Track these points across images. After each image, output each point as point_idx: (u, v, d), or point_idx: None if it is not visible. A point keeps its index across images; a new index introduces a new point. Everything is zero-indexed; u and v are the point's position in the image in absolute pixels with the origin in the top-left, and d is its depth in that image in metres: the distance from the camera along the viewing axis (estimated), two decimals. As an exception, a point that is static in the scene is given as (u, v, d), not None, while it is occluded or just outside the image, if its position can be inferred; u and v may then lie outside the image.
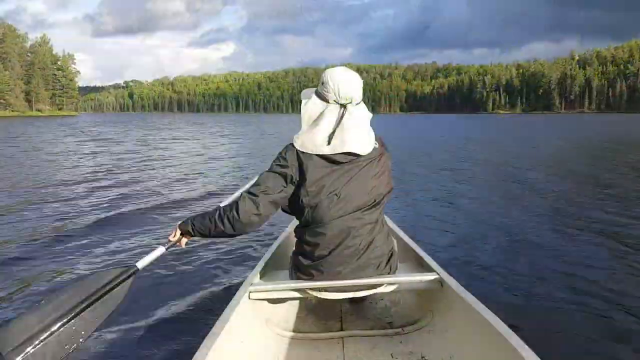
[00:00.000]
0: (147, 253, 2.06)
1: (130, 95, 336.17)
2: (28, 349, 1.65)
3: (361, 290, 2.06)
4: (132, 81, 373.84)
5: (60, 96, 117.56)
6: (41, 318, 1.75)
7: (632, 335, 2.80)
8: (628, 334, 2.81)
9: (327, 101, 2.01)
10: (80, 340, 1.75)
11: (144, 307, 3.17)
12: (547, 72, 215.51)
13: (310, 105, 2.04)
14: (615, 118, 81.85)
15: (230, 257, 4.37)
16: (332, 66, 2.10)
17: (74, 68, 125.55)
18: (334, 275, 1.99)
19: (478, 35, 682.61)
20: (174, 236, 2.11)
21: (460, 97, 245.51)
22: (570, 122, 59.57)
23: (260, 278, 2.35)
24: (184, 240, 2.11)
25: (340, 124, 1.96)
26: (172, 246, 2.13)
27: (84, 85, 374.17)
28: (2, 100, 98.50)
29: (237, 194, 2.32)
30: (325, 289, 2.04)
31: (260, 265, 2.44)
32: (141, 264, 2.03)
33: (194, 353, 1.55)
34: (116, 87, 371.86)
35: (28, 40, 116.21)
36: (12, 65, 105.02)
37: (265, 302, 2.25)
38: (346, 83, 2.00)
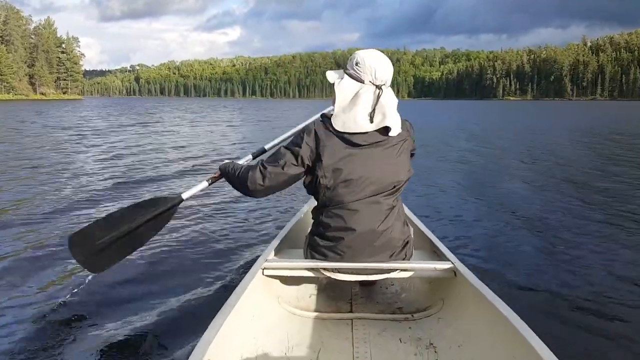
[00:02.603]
0: (193, 186, 2.44)
1: (137, 79, 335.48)
2: (95, 250, 2.26)
3: (374, 274, 2.07)
4: (138, 65, 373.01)
5: (64, 80, 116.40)
6: (106, 227, 2.29)
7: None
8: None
9: (362, 81, 2.02)
10: (129, 250, 2.35)
11: (160, 277, 3.20)
12: (559, 58, 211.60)
13: (345, 85, 2.03)
14: (632, 105, 79.25)
15: (247, 233, 4.49)
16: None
17: (79, 51, 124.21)
18: (348, 257, 2.01)
19: (484, 20, 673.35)
20: (217, 174, 2.38)
21: (469, 83, 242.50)
22: (588, 109, 58.11)
23: (275, 255, 2.38)
24: (223, 178, 2.37)
25: (378, 102, 1.98)
26: (213, 182, 2.44)
27: (91, 69, 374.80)
28: (5, 84, 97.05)
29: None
30: (339, 270, 2.05)
31: (275, 242, 2.46)
32: (186, 195, 2.44)
33: (207, 325, 1.59)
34: (123, 71, 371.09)
35: (32, 23, 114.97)
36: (15, 48, 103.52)
37: (279, 279, 2.28)
38: (382, 65, 2.02)
